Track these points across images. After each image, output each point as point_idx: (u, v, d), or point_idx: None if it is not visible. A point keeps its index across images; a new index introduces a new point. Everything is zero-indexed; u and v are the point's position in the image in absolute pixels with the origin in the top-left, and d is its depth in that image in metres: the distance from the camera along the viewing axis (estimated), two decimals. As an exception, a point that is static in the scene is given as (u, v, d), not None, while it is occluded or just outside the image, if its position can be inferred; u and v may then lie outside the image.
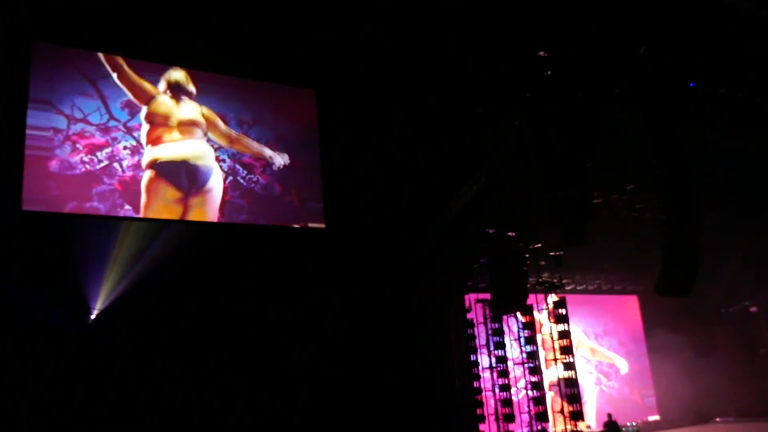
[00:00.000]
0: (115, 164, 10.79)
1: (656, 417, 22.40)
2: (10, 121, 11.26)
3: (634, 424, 20.75)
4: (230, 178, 11.88)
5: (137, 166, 11.07)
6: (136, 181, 10.99)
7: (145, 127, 11.59)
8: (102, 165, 10.67)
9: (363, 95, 14.21)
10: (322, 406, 13.90)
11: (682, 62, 11.72)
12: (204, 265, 13.11)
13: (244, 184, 11.99)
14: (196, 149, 11.87)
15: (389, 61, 13.25)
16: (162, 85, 12.27)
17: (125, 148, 10.95)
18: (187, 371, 12.67)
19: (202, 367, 12.89)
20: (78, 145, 10.50)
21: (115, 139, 10.86)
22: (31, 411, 11.07)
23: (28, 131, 10.20)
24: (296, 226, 13.59)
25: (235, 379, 13.16)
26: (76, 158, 10.46)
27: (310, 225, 13.44)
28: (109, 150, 10.77)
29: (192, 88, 12.55)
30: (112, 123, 10.89)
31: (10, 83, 10.68)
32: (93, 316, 12.21)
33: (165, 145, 11.65)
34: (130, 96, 11.49)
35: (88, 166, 10.52)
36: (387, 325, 15.27)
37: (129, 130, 11.02)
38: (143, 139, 11.52)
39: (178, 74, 12.45)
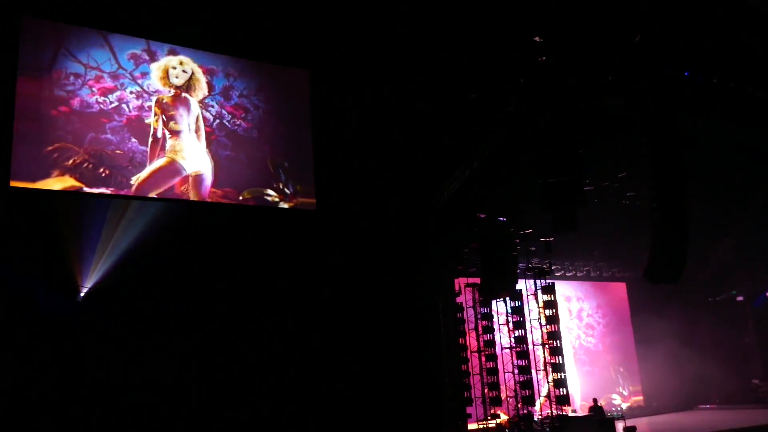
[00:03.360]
0: (123, 105, 12.80)
1: (639, 399, 22.77)
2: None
3: (620, 409, 21.04)
4: (218, 120, 13.80)
5: (141, 108, 12.99)
6: (139, 119, 12.93)
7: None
8: (113, 105, 12.68)
9: (356, 78, 14.18)
10: (307, 388, 13.97)
11: (677, 51, 11.72)
12: (193, 244, 13.12)
13: (229, 126, 13.93)
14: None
15: (384, 43, 13.20)
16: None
17: (131, 92, 12.93)
18: (176, 350, 12.69)
19: (191, 346, 12.91)
20: (94, 89, 12.53)
21: (122, 84, 12.86)
22: (17, 390, 11.09)
23: (57, 76, 12.18)
24: (285, 206, 14.05)
25: (225, 357, 13.21)
26: (93, 99, 12.48)
27: (301, 200, 14.30)
28: (118, 93, 12.78)
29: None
30: (120, 71, 12.91)
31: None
32: (81, 295, 12.20)
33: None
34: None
35: (102, 106, 12.56)
36: (375, 308, 15.33)
37: (134, 78, 13.03)
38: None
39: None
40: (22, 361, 11.28)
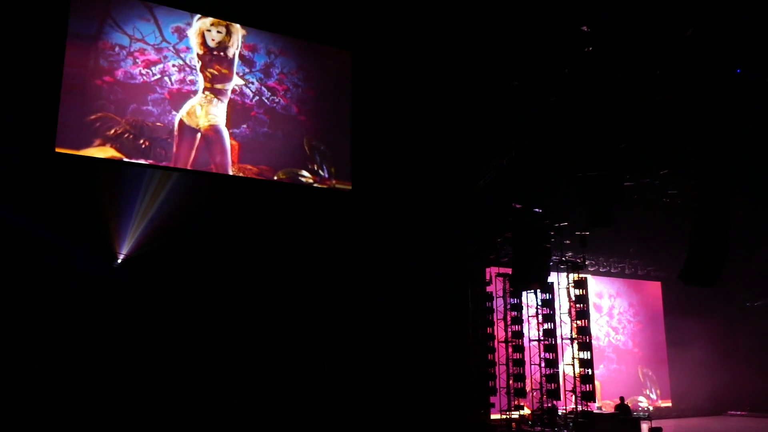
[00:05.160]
0: (166, 78, 13.06)
1: (668, 403, 22.44)
2: (47, 63, 11.53)
3: (648, 408, 20.77)
4: (257, 97, 13.93)
5: (182, 81, 13.20)
6: (181, 93, 13.18)
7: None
8: (155, 78, 12.93)
9: (397, 61, 14.09)
10: (331, 369, 14.08)
11: (730, 47, 11.30)
12: (231, 217, 13.29)
13: (268, 103, 14.06)
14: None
15: (427, 27, 13.07)
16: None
17: (174, 65, 13.19)
18: (207, 319, 12.92)
19: (223, 316, 13.13)
20: (138, 60, 12.80)
21: (166, 57, 13.11)
22: (51, 348, 11.43)
23: (103, 47, 12.47)
24: (319, 185, 14.16)
25: (255, 327, 13.41)
26: (136, 70, 12.76)
27: (335, 182, 14.41)
28: (161, 66, 13.04)
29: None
30: (164, 44, 13.14)
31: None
32: (118, 261, 12.47)
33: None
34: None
35: (145, 78, 12.83)
36: (404, 293, 15.34)
37: (177, 51, 13.27)
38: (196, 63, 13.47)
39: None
40: (58, 323, 11.61)
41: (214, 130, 13.26)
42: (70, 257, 12.14)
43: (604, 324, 22.32)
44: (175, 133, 12.82)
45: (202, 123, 13.15)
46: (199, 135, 13.08)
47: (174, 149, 12.73)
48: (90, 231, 12.31)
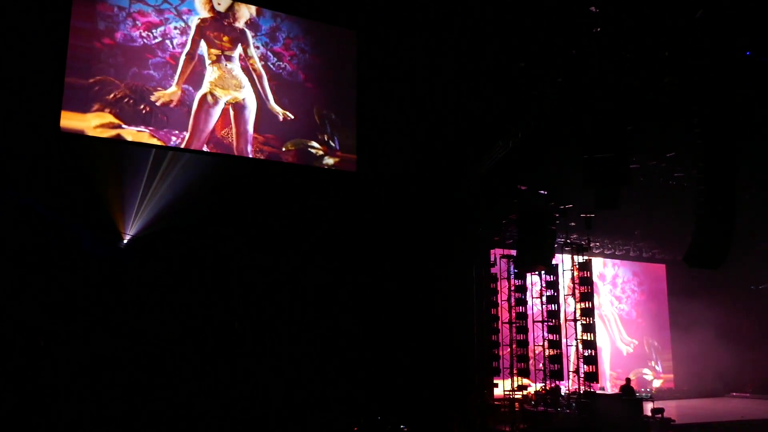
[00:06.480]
0: (167, 41, 12.63)
1: (670, 377, 22.61)
2: (50, 26, 11.41)
3: (650, 390, 20.93)
4: (262, 62, 13.57)
5: (184, 45, 12.79)
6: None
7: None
8: (156, 41, 12.52)
9: (403, 40, 13.99)
10: (337, 349, 14.19)
11: (739, 29, 11.19)
12: (236, 197, 13.31)
13: (273, 69, 13.67)
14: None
15: (434, 7, 12.96)
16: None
17: (175, 28, 12.75)
18: (213, 300, 13.01)
19: (229, 297, 13.22)
20: (138, 22, 12.37)
21: (167, 19, 12.68)
22: (59, 331, 11.55)
23: (102, 7, 12.11)
24: (331, 161, 13.87)
25: (261, 307, 13.50)
26: (136, 33, 12.34)
27: (345, 155, 14.03)
28: (162, 28, 12.60)
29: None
30: (165, 6, 12.70)
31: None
32: (124, 242, 12.54)
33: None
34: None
35: (145, 41, 12.41)
36: (409, 274, 15.39)
37: (179, 13, 12.84)
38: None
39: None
40: (64, 301, 11.72)
41: (240, 100, 12.93)
42: (76, 238, 12.20)
43: (607, 293, 22.40)
44: (195, 105, 12.44)
45: (226, 95, 12.78)
46: (221, 108, 12.72)
47: (192, 122, 12.37)
48: (96, 212, 12.35)
